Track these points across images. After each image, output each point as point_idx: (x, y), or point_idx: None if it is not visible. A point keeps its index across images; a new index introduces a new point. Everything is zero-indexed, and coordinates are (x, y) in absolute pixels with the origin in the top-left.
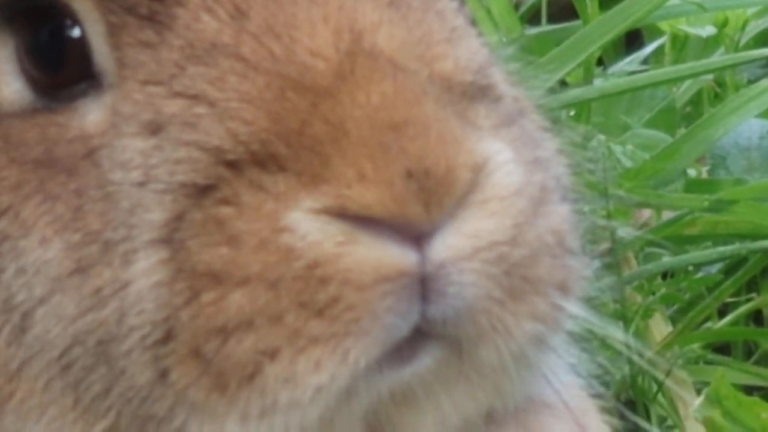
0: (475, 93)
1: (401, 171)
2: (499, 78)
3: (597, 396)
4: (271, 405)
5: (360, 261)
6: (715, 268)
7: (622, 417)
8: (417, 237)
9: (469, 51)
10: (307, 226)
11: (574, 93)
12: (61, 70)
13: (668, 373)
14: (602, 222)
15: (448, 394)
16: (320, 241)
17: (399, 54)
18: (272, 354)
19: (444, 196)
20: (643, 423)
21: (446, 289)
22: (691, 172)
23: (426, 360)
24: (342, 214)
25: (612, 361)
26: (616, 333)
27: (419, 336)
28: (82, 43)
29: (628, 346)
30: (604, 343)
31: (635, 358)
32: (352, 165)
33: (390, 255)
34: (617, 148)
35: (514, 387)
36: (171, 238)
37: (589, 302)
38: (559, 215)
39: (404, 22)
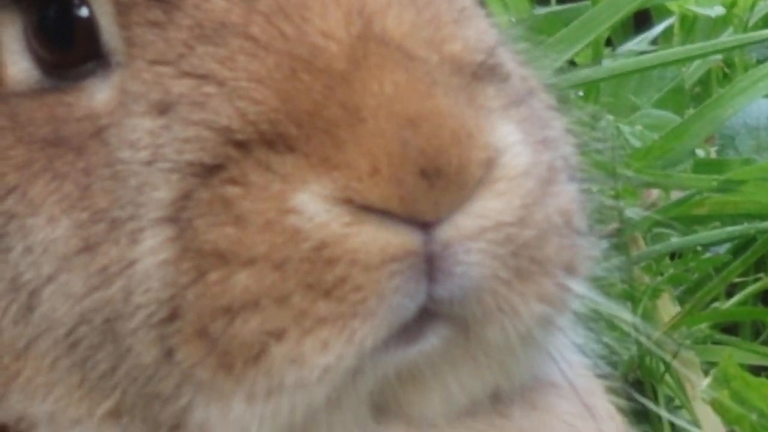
0: (484, 73)
1: (414, 169)
2: (507, 58)
3: (604, 376)
4: (277, 385)
5: (367, 242)
6: (723, 249)
7: (629, 397)
8: (422, 224)
9: (478, 32)
10: (313, 207)
11: (583, 73)
12: (69, 49)
13: (676, 354)
14: (610, 202)
15: (455, 373)
16: (327, 222)
17: (409, 39)
18: (278, 334)
19: (454, 195)
20: (649, 404)
21: (453, 269)
22: (700, 153)
23: (433, 340)
24: (348, 202)
25: (620, 341)
26: (623, 313)
27: (426, 316)
28: (91, 22)
29: (635, 327)
30: (612, 324)
31: (642, 339)
32: (366, 156)
33: (397, 235)
34: (626, 129)
35: (521, 367)
36: (178, 217)
37: (597, 282)
38: (567, 195)
39: (413, 4)
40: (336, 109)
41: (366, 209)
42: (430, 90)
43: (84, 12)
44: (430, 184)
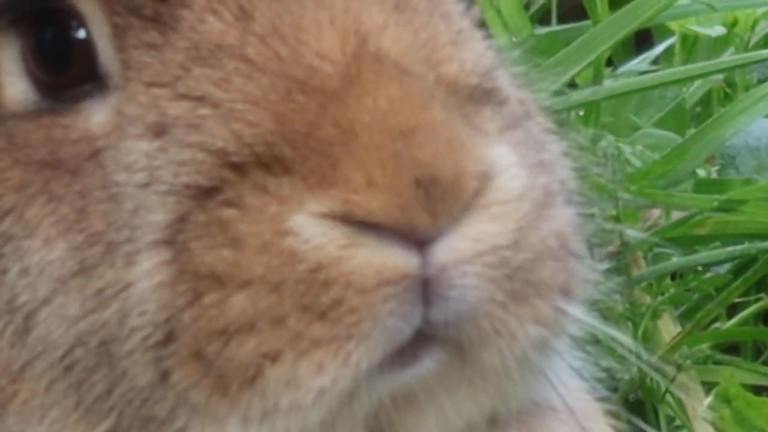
0: (480, 96)
1: (410, 179)
2: (504, 81)
3: (602, 399)
4: (272, 408)
5: (362, 264)
6: (724, 269)
7: (628, 421)
8: (420, 241)
9: (475, 54)
10: (310, 229)
11: (583, 93)
12: (67, 71)
13: (673, 378)
14: (610, 225)
15: (451, 397)
16: (323, 244)
17: (404, 57)
18: (274, 357)
19: (451, 205)
20: (648, 429)
21: (448, 292)
22: (701, 172)
23: (428, 363)
24: (347, 219)
25: (620, 362)
26: (621, 337)
27: (422, 339)
28: (88, 44)
29: (634, 352)
30: (611, 347)
31: (642, 364)
32: (361, 169)
33: (392, 258)
34: (626, 148)
35: (518, 391)
36: (174, 239)
37: (595, 305)
38: (563, 218)
39: (410, 24)
40: (330, 128)
41: (363, 228)
42: (425, 103)
43: (81, 34)
44: (427, 193)
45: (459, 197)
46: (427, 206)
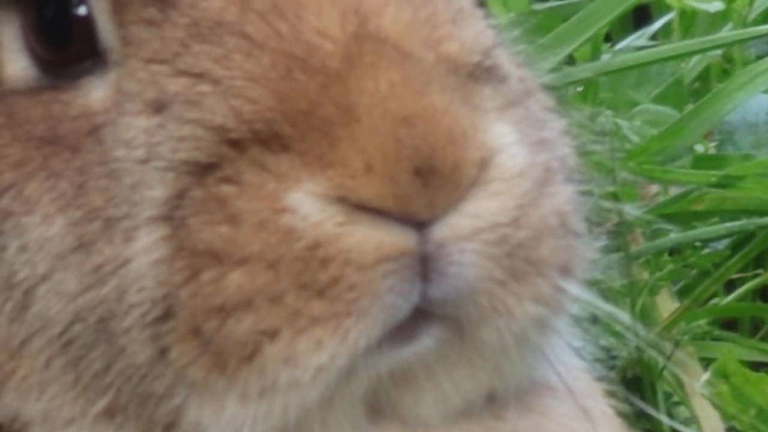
0: (480, 74)
1: (409, 167)
2: (504, 58)
3: (601, 379)
4: (270, 385)
5: (361, 241)
6: (722, 244)
7: (627, 400)
8: (418, 223)
9: (475, 32)
10: (308, 206)
11: (582, 69)
12: (67, 47)
13: (670, 356)
14: (609, 203)
15: (449, 374)
16: (321, 221)
17: (405, 38)
18: (272, 334)
19: (449, 193)
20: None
21: (447, 269)
22: (699, 148)
23: (427, 340)
24: (343, 200)
25: (618, 338)
26: (620, 316)
27: (420, 316)
28: (88, 20)
29: (632, 331)
30: (609, 325)
31: (640, 342)
32: (360, 153)
33: (390, 235)
34: (625, 124)
35: (516, 369)
36: (172, 215)
37: (595, 284)
38: (563, 196)
39: (410, 3)
40: (331, 108)
41: (360, 208)
42: (425, 88)
43: (82, 10)
44: (425, 182)
45: (457, 186)
46: (425, 195)
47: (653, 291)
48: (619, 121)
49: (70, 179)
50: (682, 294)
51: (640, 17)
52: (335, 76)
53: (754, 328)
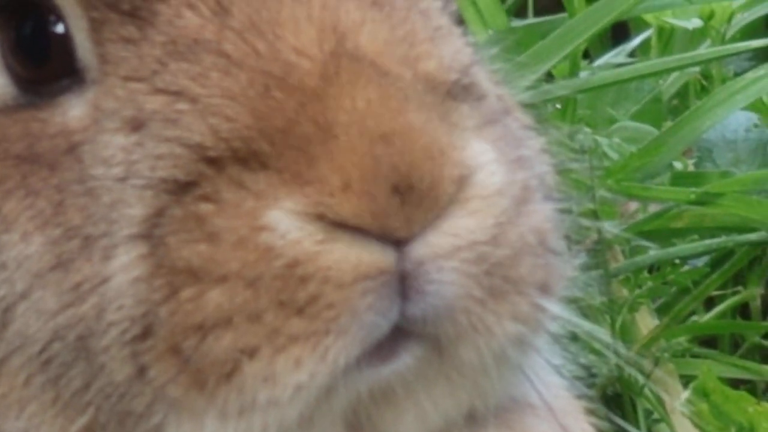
0: (458, 92)
1: (387, 185)
2: (482, 76)
3: (582, 397)
4: (249, 403)
5: (339, 259)
6: (701, 261)
7: (607, 418)
8: (396, 241)
9: (453, 50)
10: (286, 224)
11: (560, 86)
12: (45, 65)
13: (650, 374)
14: (587, 221)
15: (429, 393)
16: (300, 239)
17: (382, 56)
18: (251, 352)
19: (427, 211)
20: (628, 426)
21: (425, 288)
22: (678, 165)
23: (406, 359)
24: (321, 218)
25: (598, 356)
26: (600, 333)
27: (399, 335)
28: (66, 38)
29: (612, 348)
30: (589, 343)
31: (619, 361)
32: (338, 171)
33: (369, 253)
34: (603, 141)
35: (495, 387)
36: (151, 233)
37: (574, 302)
38: (542, 214)
39: (387, 21)
40: (308, 126)
41: (339, 226)
42: (402, 106)
43: (60, 28)
44: (402, 200)
45: (435, 204)
46: (402, 213)
47: (633, 308)
48: (597, 138)
49: (48, 197)
50: (661, 311)
51: (618, 34)
52: (313, 94)
53: (734, 345)
